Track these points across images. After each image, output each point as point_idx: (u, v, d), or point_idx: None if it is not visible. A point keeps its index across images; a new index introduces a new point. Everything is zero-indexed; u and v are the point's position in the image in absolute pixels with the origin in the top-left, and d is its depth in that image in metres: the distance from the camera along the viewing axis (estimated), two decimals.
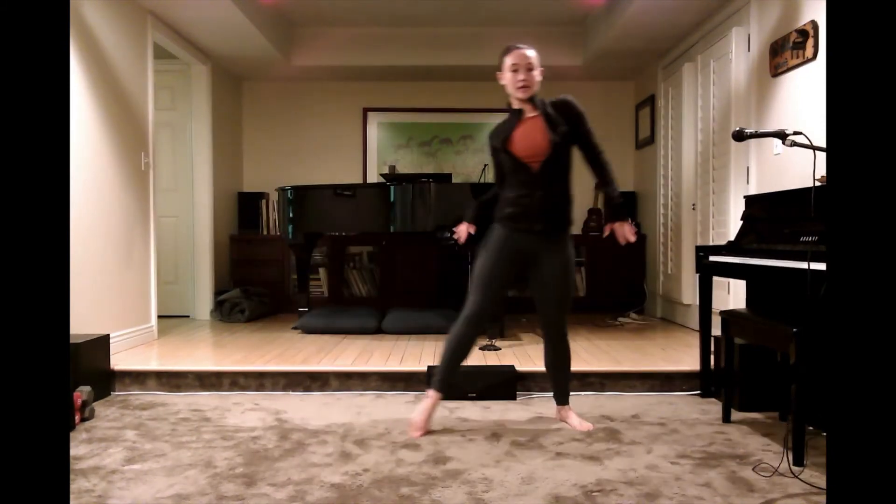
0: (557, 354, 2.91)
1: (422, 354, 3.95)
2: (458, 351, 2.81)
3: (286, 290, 6.10)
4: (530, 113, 2.77)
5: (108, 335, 3.57)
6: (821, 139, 3.09)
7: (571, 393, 3.40)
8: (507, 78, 2.74)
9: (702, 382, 3.40)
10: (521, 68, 2.70)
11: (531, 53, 2.72)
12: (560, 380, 2.96)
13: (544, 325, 2.88)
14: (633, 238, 2.77)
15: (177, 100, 5.75)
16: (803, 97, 3.52)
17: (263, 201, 6.28)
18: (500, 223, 2.81)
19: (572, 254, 2.83)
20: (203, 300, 5.71)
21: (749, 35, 4.10)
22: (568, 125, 2.72)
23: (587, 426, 2.87)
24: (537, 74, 2.73)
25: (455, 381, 2.97)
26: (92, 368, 3.33)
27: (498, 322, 4.40)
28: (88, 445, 2.65)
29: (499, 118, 2.95)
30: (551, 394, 3.07)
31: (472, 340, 2.81)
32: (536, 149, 2.71)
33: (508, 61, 2.73)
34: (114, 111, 4.08)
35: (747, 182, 4.09)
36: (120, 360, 3.71)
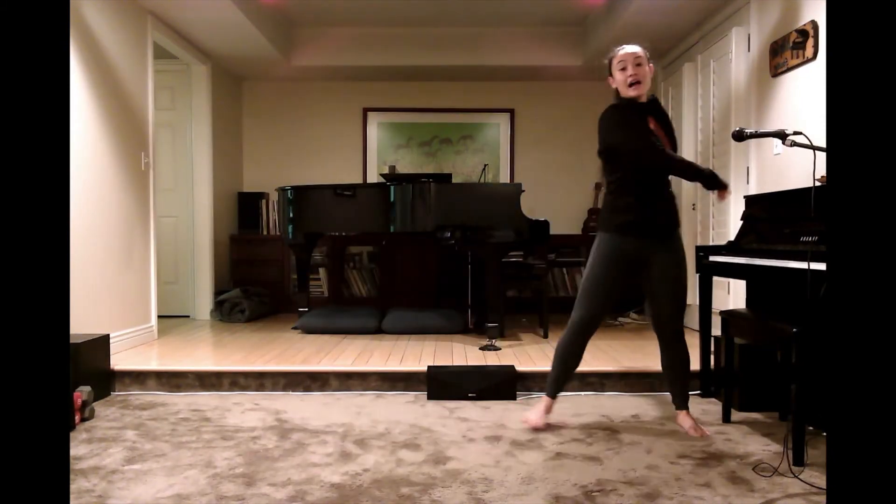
0: (675, 355, 2.83)
1: (422, 354, 3.95)
2: (566, 360, 2.85)
3: (286, 290, 6.10)
4: (646, 109, 2.71)
5: (108, 335, 3.57)
6: (821, 139, 3.08)
7: (572, 392, 3.40)
8: (617, 79, 2.70)
9: (702, 382, 3.40)
10: (629, 64, 2.65)
11: (636, 49, 2.67)
12: (676, 382, 2.86)
13: (657, 326, 2.82)
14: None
15: (177, 100, 5.75)
16: (803, 97, 3.52)
17: (263, 201, 6.28)
18: (615, 232, 2.71)
19: (684, 253, 2.80)
20: (203, 300, 5.71)
21: (749, 35, 4.10)
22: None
23: (703, 431, 2.77)
24: (647, 70, 2.68)
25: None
26: (92, 368, 3.33)
27: (498, 322, 4.39)
28: (88, 445, 2.65)
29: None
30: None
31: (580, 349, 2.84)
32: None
33: (615, 62, 2.70)
34: (114, 111, 4.08)
35: (747, 182, 4.09)
36: (120, 360, 3.71)
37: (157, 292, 4.63)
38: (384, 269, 6.11)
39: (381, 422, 2.96)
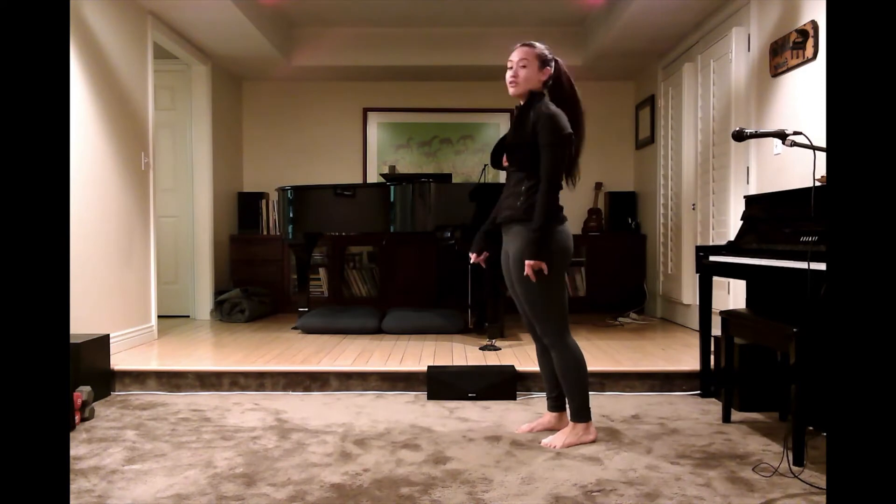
0: (556, 362, 2.69)
1: (422, 354, 3.95)
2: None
3: (286, 290, 6.10)
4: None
5: (108, 335, 3.57)
6: (821, 139, 3.08)
7: None
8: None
9: (702, 382, 3.40)
10: (513, 64, 2.72)
11: (517, 53, 2.69)
12: (563, 388, 2.72)
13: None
14: (532, 277, 2.56)
15: (177, 100, 5.75)
16: (803, 97, 3.52)
17: (263, 201, 6.28)
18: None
19: (524, 249, 2.58)
20: (203, 300, 5.71)
21: (749, 35, 4.10)
22: (532, 134, 2.67)
23: (555, 444, 2.62)
24: (523, 72, 2.68)
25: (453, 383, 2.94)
26: (92, 368, 3.33)
27: (498, 322, 4.40)
28: (88, 445, 2.65)
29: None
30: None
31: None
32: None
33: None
34: (114, 111, 4.08)
35: (747, 182, 4.09)
36: (120, 360, 3.71)
37: (157, 292, 4.63)
38: (384, 269, 6.11)
39: (381, 422, 2.96)
